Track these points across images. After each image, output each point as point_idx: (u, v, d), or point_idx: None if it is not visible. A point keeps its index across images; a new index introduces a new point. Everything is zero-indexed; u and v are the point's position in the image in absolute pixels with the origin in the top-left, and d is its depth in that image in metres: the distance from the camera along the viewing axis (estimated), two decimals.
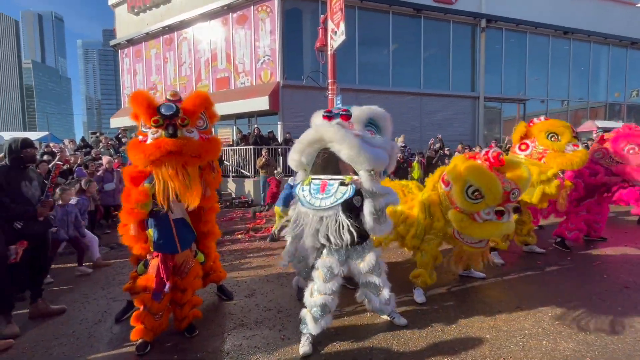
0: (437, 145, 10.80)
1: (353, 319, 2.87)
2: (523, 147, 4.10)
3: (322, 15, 7.57)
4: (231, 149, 10.37)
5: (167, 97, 2.48)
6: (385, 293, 2.60)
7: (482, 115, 14.80)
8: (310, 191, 2.28)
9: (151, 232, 2.49)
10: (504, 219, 2.67)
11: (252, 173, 9.72)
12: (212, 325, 2.85)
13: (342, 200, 2.16)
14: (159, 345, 2.53)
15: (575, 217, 4.60)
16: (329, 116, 2.37)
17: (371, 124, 2.52)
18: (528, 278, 3.74)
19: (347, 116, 2.35)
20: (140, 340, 2.44)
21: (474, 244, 2.95)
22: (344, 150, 2.12)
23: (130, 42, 15.60)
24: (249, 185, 9.58)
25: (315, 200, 2.22)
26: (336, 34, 6.78)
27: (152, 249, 2.51)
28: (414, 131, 12.89)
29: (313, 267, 2.55)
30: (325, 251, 2.46)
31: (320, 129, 2.24)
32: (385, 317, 2.83)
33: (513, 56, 15.53)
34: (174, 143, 2.22)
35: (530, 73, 15.90)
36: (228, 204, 9.06)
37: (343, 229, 2.18)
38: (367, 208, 2.19)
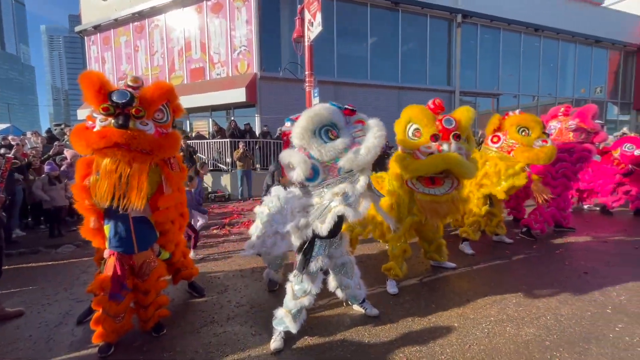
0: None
1: (326, 313, 2.88)
2: (495, 139, 4.21)
3: (299, 5, 7.43)
4: (207, 142, 10.09)
5: (128, 82, 2.33)
6: (357, 274, 2.76)
7: None
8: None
9: (107, 228, 2.32)
10: (443, 149, 2.74)
11: (229, 167, 9.52)
12: (182, 323, 2.77)
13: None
14: (124, 346, 2.43)
15: (543, 209, 4.80)
16: (351, 110, 2.27)
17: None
18: (496, 267, 3.88)
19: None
20: (102, 343, 2.33)
21: (428, 190, 2.91)
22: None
23: (98, 28, 14.75)
24: (225, 179, 9.39)
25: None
26: (313, 25, 6.68)
27: (107, 247, 2.36)
28: (392, 123, 13.00)
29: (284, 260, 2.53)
30: (314, 252, 2.36)
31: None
32: (357, 309, 2.86)
33: (487, 52, 15.93)
34: (122, 135, 2.03)
35: (503, 68, 16.39)
36: (204, 198, 8.84)
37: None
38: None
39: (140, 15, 13.49)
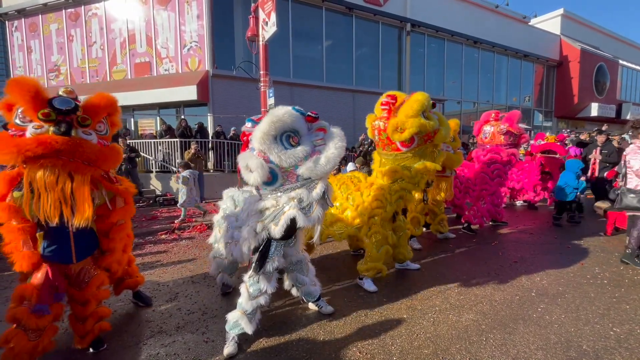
0: (369, 141, 11.36)
1: (281, 314, 2.87)
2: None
3: (253, 4, 7.30)
4: (154, 142, 9.47)
5: (60, 93, 2.13)
6: (312, 271, 2.82)
7: None
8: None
9: (40, 237, 2.08)
10: None
11: (179, 168, 9.02)
12: (125, 336, 2.57)
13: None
14: None
15: (481, 206, 5.28)
16: (314, 117, 2.21)
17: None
18: (441, 260, 4.18)
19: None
20: None
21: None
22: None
23: (22, 12, 13.08)
24: (175, 182, 8.88)
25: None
26: (267, 25, 6.61)
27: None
28: (347, 127, 13.36)
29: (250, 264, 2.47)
30: (271, 251, 2.35)
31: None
32: (313, 308, 2.89)
33: (434, 60, 17.08)
34: (65, 142, 1.86)
35: (447, 76, 17.70)
36: (151, 201, 8.29)
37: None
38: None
39: (74, 2, 12.25)
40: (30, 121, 1.94)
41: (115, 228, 2.38)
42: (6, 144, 1.80)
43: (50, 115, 1.88)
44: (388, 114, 3.12)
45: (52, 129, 1.89)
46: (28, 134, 1.90)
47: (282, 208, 2.15)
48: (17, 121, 1.98)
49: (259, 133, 2.06)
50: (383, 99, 3.18)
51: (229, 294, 3.22)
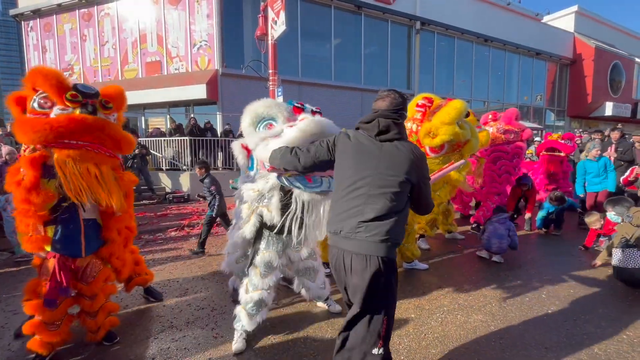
0: None
1: (289, 311, 2.89)
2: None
3: (262, 2, 7.33)
4: (164, 140, 9.60)
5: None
6: (321, 275, 2.77)
7: None
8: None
9: (51, 229, 2.12)
10: None
11: (189, 166, 9.14)
12: (137, 330, 2.63)
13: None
14: (71, 356, 2.26)
15: (489, 206, 5.22)
16: (302, 109, 2.30)
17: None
18: (449, 260, 4.15)
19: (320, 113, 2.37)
20: (33, 355, 2.15)
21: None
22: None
23: (37, 13, 13.37)
24: (185, 179, 8.99)
25: (309, 189, 2.09)
26: (276, 24, 6.63)
27: (48, 249, 2.14)
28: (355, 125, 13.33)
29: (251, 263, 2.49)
30: (263, 245, 2.41)
31: (323, 122, 2.09)
32: (321, 306, 2.91)
33: (443, 58, 16.89)
34: (95, 119, 1.98)
35: (457, 75, 17.48)
36: (162, 199, 8.40)
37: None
38: None
39: (87, 2, 12.47)
40: (52, 106, 2.01)
41: (114, 218, 2.37)
42: (38, 122, 1.87)
43: (77, 96, 1.98)
44: (422, 117, 3.09)
45: (78, 110, 1.98)
46: (53, 116, 1.97)
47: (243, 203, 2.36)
48: (36, 106, 2.04)
49: (242, 122, 2.28)
50: (419, 100, 3.15)
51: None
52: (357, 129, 1.74)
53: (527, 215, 5.46)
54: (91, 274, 2.28)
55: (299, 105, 2.30)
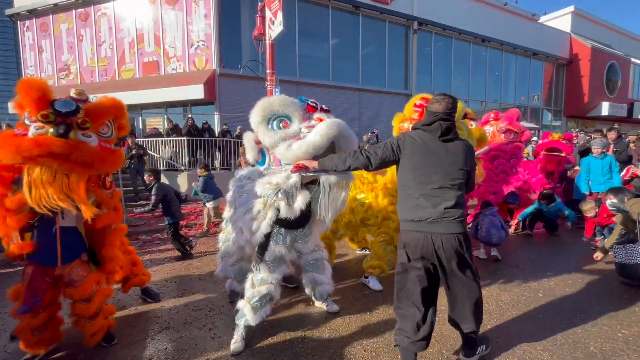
0: (373, 140, 11.34)
1: (287, 312, 2.89)
2: None
3: (260, 2, 7.33)
4: (162, 140, 9.58)
5: (71, 94, 2.16)
6: (329, 268, 2.84)
7: None
8: None
9: (28, 237, 2.08)
10: None
11: (186, 166, 9.13)
12: (134, 331, 2.62)
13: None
14: (70, 357, 2.26)
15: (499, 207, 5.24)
16: (315, 108, 2.32)
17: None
18: None
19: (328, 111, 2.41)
20: (28, 356, 2.17)
21: None
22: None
23: (34, 12, 13.32)
24: (182, 180, 8.97)
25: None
26: (274, 24, 6.63)
27: (24, 256, 2.11)
28: (353, 126, 13.33)
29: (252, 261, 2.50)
30: (272, 242, 2.42)
31: (340, 125, 2.19)
32: (319, 306, 2.91)
33: (441, 58, 16.96)
34: (62, 144, 1.86)
35: (454, 75, 17.55)
36: None
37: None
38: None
39: (84, 2, 12.43)
40: (35, 121, 1.96)
41: (111, 232, 2.40)
42: (8, 143, 1.83)
43: (48, 116, 1.89)
44: (419, 117, 3.10)
45: (51, 130, 1.90)
46: (30, 134, 1.92)
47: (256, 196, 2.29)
48: (25, 121, 2.01)
49: (253, 116, 2.24)
50: (417, 100, 3.16)
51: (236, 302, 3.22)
52: (415, 128, 2.04)
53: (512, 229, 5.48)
54: (78, 278, 2.23)
55: (313, 104, 2.31)
